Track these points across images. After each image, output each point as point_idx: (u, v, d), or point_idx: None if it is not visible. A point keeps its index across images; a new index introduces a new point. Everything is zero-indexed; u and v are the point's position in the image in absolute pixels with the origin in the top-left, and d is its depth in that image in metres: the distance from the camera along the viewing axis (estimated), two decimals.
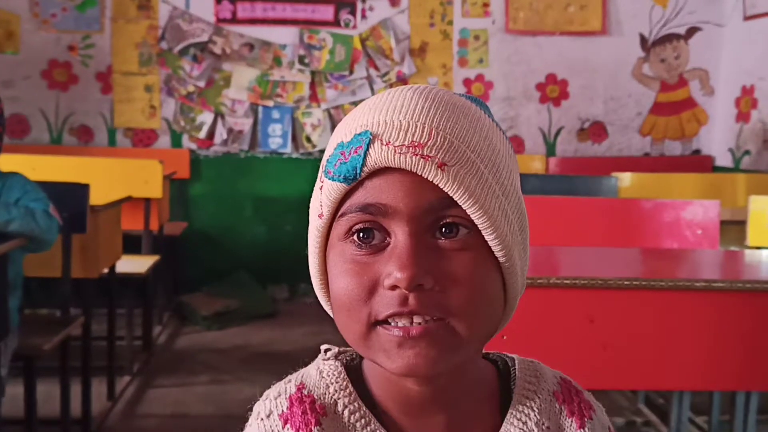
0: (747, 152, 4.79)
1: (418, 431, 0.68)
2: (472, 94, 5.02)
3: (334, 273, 0.65)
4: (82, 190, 2.73)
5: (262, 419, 0.68)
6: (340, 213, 0.63)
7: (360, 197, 0.62)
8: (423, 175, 0.60)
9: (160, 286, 4.27)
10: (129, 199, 3.33)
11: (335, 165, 0.62)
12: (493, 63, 5.05)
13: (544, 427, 0.70)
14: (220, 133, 4.92)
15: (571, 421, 0.71)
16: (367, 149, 0.61)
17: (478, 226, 0.61)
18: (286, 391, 0.69)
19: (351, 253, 0.63)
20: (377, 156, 0.60)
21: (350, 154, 0.61)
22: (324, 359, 0.71)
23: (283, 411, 0.68)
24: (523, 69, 5.08)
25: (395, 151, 0.60)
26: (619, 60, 5.12)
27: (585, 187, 3.49)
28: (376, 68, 4.96)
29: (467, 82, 5.06)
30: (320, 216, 0.65)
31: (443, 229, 0.61)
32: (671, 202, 2.79)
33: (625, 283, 1.81)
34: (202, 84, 4.89)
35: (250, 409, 0.70)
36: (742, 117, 4.83)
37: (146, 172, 3.78)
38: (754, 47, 4.73)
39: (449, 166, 0.60)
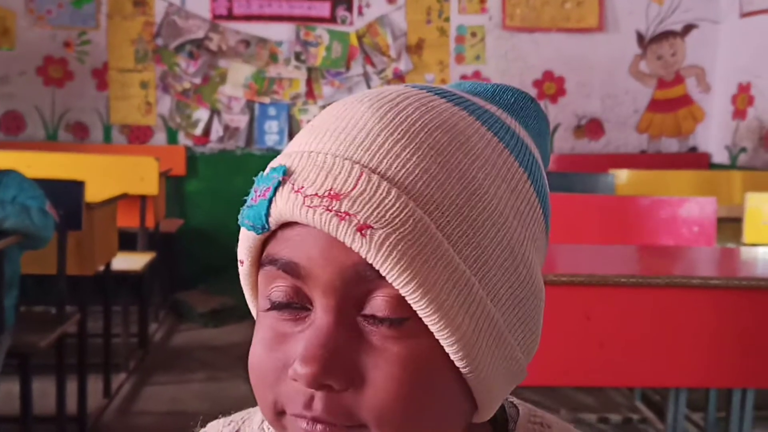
0: (743, 149, 4.79)
1: None
2: None
3: (255, 333, 0.51)
4: (77, 187, 2.73)
5: None
6: (261, 262, 0.49)
7: (273, 248, 0.47)
8: (338, 237, 0.44)
9: (156, 283, 4.26)
10: (125, 196, 3.33)
11: (247, 206, 0.48)
12: (490, 60, 5.05)
13: None
14: (216, 130, 4.91)
15: None
16: (274, 194, 0.45)
17: (417, 312, 0.44)
18: None
19: (272, 315, 0.48)
20: (283, 206, 0.45)
21: (259, 196, 0.46)
22: None
23: None
24: (519, 66, 5.08)
25: (303, 203, 0.44)
26: (615, 57, 5.12)
27: (582, 184, 3.50)
28: (373, 65, 4.95)
29: (464, 79, 5.04)
30: (241, 263, 0.51)
31: None
32: (668, 199, 2.80)
33: (622, 280, 1.82)
34: (198, 81, 4.88)
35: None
36: (739, 114, 4.84)
37: (142, 169, 3.77)
38: (750, 44, 4.73)
39: (375, 229, 0.43)
